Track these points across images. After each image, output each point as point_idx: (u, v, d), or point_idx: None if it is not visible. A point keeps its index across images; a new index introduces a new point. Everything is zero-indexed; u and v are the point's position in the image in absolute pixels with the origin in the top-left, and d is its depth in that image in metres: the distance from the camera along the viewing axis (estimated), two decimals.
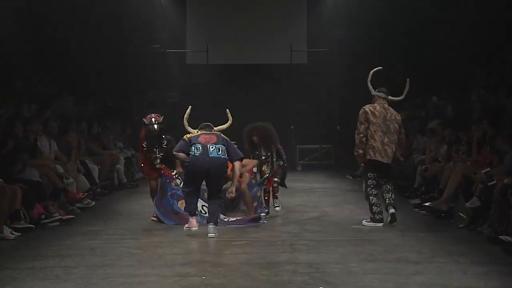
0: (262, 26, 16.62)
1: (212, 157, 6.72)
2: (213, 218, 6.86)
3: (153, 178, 7.97)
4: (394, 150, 7.35)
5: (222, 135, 7.02)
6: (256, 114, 15.23)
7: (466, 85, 12.05)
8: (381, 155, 7.30)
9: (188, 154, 6.79)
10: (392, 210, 7.37)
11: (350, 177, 13.01)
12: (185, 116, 7.31)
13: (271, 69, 16.49)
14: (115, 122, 13.20)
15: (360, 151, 7.33)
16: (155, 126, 7.72)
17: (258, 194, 7.99)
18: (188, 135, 6.96)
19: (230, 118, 7.38)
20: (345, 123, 14.90)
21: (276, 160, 8.12)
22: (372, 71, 7.53)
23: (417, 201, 8.87)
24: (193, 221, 6.87)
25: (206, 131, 7.02)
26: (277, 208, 8.34)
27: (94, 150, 11.22)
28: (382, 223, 7.34)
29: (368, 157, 7.31)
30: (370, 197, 7.39)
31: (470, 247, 6.22)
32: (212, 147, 6.76)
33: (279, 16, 16.64)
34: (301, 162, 15.67)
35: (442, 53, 13.69)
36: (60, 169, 8.92)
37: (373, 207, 7.37)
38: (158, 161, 7.77)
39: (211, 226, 6.79)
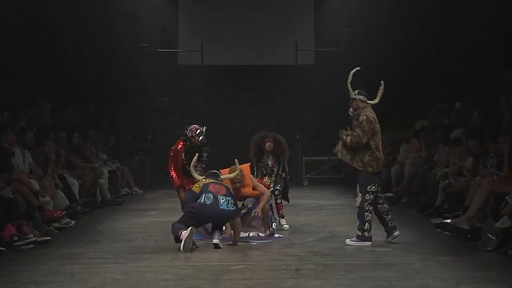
0: (264, 23, 16.68)
1: (222, 209, 7.36)
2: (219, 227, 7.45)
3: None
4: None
5: (230, 187, 7.59)
6: (257, 122, 15.35)
7: (494, 90, 12.07)
8: (382, 163, 7.63)
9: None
10: (397, 233, 7.58)
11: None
12: (192, 163, 7.85)
13: (274, 71, 16.54)
14: (98, 131, 13.21)
15: (347, 158, 7.45)
16: (201, 137, 8.27)
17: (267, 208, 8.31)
18: (198, 186, 7.54)
19: (239, 168, 7.86)
20: None
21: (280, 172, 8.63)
22: (351, 72, 7.70)
23: (439, 220, 8.86)
24: (184, 232, 7.15)
25: (213, 179, 7.59)
26: (285, 226, 8.73)
27: (74, 163, 11.22)
28: (370, 242, 7.46)
29: (370, 170, 7.43)
30: (366, 213, 7.45)
31: (500, 273, 6.19)
32: (222, 199, 7.39)
33: (283, 12, 16.70)
34: (307, 176, 15.67)
35: (467, 54, 13.72)
36: (35, 184, 8.91)
37: (366, 224, 7.47)
38: (198, 172, 8.11)
39: (216, 232, 7.36)
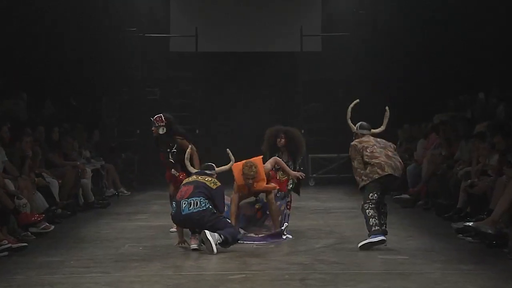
0: (265, 5, 16.69)
1: (184, 214, 7.56)
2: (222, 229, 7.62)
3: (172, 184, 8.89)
4: (401, 162, 7.91)
5: (207, 182, 7.71)
6: (257, 115, 15.38)
7: None
8: (391, 167, 7.73)
9: None
10: (383, 239, 7.74)
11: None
12: (186, 156, 8.24)
13: (276, 58, 16.53)
14: (80, 125, 13.20)
15: (365, 178, 7.75)
16: (159, 129, 8.83)
17: (282, 208, 8.64)
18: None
19: (232, 158, 8.21)
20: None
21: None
22: (350, 107, 8.16)
23: (460, 224, 8.85)
24: (193, 239, 7.63)
25: (197, 175, 7.83)
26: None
27: (53, 161, 11.22)
28: (383, 237, 7.68)
29: (376, 176, 7.68)
30: (367, 210, 7.75)
31: None
32: (184, 203, 7.57)
33: None
34: (314, 175, 15.68)
35: (492, 39, 13.71)
36: (10, 185, 8.90)
37: (371, 219, 7.72)
38: (173, 170, 8.75)
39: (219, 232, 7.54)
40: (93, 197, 11.73)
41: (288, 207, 8.88)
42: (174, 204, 7.70)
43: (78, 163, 11.75)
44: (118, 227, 9.62)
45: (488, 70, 13.63)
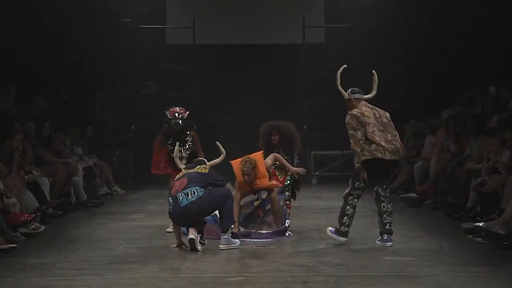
0: None
1: (183, 206, 7.66)
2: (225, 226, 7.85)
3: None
4: (401, 144, 8.09)
5: (199, 170, 7.91)
6: (257, 110, 15.36)
7: None
8: (393, 152, 7.91)
9: None
10: (390, 243, 7.96)
11: None
12: (175, 153, 8.41)
13: (277, 51, 16.51)
14: (72, 121, 13.19)
15: (367, 154, 7.87)
16: (179, 121, 8.80)
17: (281, 203, 8.80)
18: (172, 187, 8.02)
19: (223, 151, 8.23)
20: None
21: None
22: (338, 72, 8.39)
23: (470, 224, 8.85)
24: (190, 230, 7.71)
25: (186, 169, 8.01)
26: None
27: (44, 158, 11.21)
28: (346, 239, 8.04)
29: (379, 155, 7.80)
30: (347, 206, 8.03)
31: None
32: (181, 195, 7.71)
33: None
34: (316, 173, 15.67)
35: (504, 30, 13.68)
36: None
37: (345, 217, 8.04)
38: (185, 161, 8.66)
39: (223, 237, 7.79)
40: (85, 196, 11.72)
41: (288, 206, 8.99)
42: (170, 200, 7.78)
43: (70, 160, 11.74)
44: (112, 227, 9.62)
45: (498, 63, 13.60)
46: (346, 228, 8.04)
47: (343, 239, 8.05)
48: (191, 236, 7.68)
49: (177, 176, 8.02)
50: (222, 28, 16.50)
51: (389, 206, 8.07)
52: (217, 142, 8.29)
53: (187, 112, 8.86)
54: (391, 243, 7.95)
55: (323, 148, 15.68)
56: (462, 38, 14.47)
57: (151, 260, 7.28)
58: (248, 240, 8.27)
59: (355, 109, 8.06)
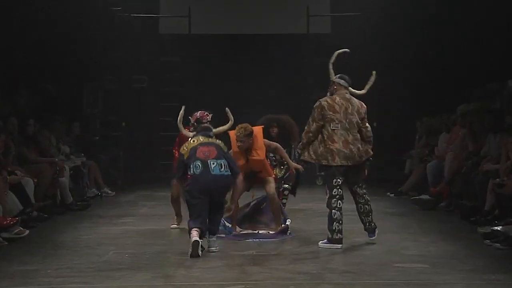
0: None
1: (215, 175, 7.86)
2: (216, 230, 8.08)
3: None
4: (360, 147, 8.26)
5: (220, 144, 8.11)
6: (258, 105, 15.34)
7: None
8: (346, 157, 8.14)
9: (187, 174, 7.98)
10: (373, 237, 8.42)
11: (392, 194, 13.01)
12: (179, 118, 8.46)
13: (280, 42, 16.51)
14: (58, 117, 13.19)
15: (306, 154, 8.28)
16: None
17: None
18: (185, 149, 8.03)
19: (231, 117, 8.52)
20: (384, 117, 14.88)
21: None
22: (337, 52, 8.62)
23: (487, 228, 8.86)
24: (194, 232, 7.73)
25: (203, 136, 8.10)
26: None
27: (28, 157, 11.21)
28: (341, 245, 8.11)
29: (324, 162, 8.16)
30: (333, 210, 8.13)
31: None
32: (213, 163, 7.89)
33: None
34: (321, 173, 15.63)
35: None
36: None
37: (334, 223, 8.14)
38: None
39: (211, 239, 7.94)
40: (71, 198, 11.70)
41: (281, 197, 9.52)
42: (199, 164, 7.84)
43: (56, 159, 11.73)
44: (101, 231, 9.62)
45: None
46: (339, 235, 8.15)
47: (338, 245, 8.13)
48: (195, 238, 7.67)
49: (197, 141, 8.04)
50: (219, 17, 16.50)
51: (366, 206, 8.38)
52: (227, 108, 8.52)
53: (210, 115, 8.84)
54: (373, 237, 8.43)
55: None
56: (481, 26, 14.44)
57: (143, 267, 7.28)
58: (249, 240, 8.69)
59: (327, 98, 8.34)
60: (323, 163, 8.19)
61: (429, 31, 15.30)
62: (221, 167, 7.89)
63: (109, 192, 13.61)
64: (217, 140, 8.17)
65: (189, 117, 8.86)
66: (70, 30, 14.95)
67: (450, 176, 11.53)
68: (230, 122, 8.53)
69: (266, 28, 16.56)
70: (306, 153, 8.31)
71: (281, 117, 9.75)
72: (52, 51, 14.83)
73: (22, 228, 9.04)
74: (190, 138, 8.23)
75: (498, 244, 8.21)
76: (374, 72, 8.60)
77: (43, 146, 11.82)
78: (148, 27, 16.74)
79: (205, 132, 8.20)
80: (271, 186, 9.01)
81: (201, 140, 8.06)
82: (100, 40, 15.74)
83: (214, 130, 8.30)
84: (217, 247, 7.96)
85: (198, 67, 16.62)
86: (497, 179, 9.66)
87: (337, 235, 8.14)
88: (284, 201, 9.76)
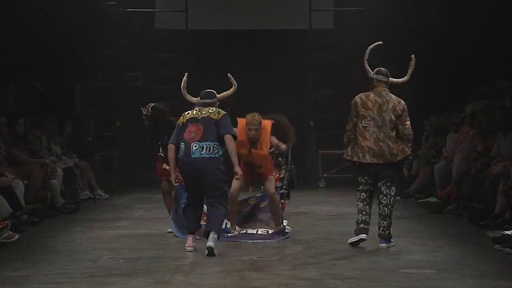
0: None
1: (194, 158, 7.99)
2: (213, 226, 8.02)
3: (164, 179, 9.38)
4: (391, 145, 8.37)
5: (213, 113, 8.20)
6: (258, 104, 15.34)
7: None
8: (375, 155, 8.34)
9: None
10: (383, 245, 8.47)
11: (399, 197, 13.00)
12: (182, 84, 8.78)
13: (281, 38, 16.53)
14: (49, 117, 13.19)
15: (347, 152, 8.58)
16: (145, 122, 9.49)
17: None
18: (181, 119, 8.24)
19: (234, 82, 8.83)
20: None
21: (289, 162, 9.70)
22: (369, 48, 8.70)
23: (497, 233, 8.86)
24: (190, 239, 8.11)
25: (202, 106, 8.30)
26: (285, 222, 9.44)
27: (18, 158, 11.20)
28: (365, 235, 8.37)
29: (355, 159, 8.45)
30: (357, 202, 8.49)
31: None
32: (195, 146, 8.01)
33: None
34: (325, 175, 15.68)
35: None
36: None
37: (358, 214, 8.47)
38: (164, 164, 9.13)
39: (211, 235, 7.93)
40: (62, 201, 11.69)
41: (283, 206, 9.58)
42: (182, 146, 8.06)
43: (47, 160, 11.73)
44: (94, 236, 9.62)
45: None
46: (362, 225, 8.40)
47: (362, 236, 8.37)
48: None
49: (190, 115, 8.22)
50: (218, 11, 16.51)
51: (385, 209, 8.45)
52: (229, 74, 8.86)
53: (150, 106, 9.63)
54: (385, 244, 8.45)
55: (331, 147, 15.66)
56: (491, 22, 14.44)
57: (139, 273, 7.27)
58: (247, 241, 8.86)
59: (362, 94, 8.49)
60: (355, 160, 8.45)
61: (429, 31, 15.28)
62: (202, 150, 7.98)
63: (103, 194, 13.62)
64: (213, 108, 8.27)
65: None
66: (60, 25, 14.94)
67: (459, 177, 11.53)
68: (233, 87, 8.80)
69: (266, 24, 16.58)
70: (347, 152, 8.58)
71: (275, 117, 9.75)
72: (41, 46, 14.81)
73: (11, 232, 9.03)
74: (195, 100, 8.55)
75: (509, 249, 8.20)
76: (412, 56, 8.70)
77: (33, 146, 11.82)
78: (143, 22, 16.73)
79: (208, 98, 8.43)
80: (272, 186, 9.10)
81: (195, 114, 8.23)
82: (93, 35, 15.71)
83: (218, 95, 8.54)
84: (217, 251, 7.94)
85: (196, 64, 16.61)
86: (508, 181, 9.66)
87: (360, 225, 8.40)
88: (282, 200, 9.78)
